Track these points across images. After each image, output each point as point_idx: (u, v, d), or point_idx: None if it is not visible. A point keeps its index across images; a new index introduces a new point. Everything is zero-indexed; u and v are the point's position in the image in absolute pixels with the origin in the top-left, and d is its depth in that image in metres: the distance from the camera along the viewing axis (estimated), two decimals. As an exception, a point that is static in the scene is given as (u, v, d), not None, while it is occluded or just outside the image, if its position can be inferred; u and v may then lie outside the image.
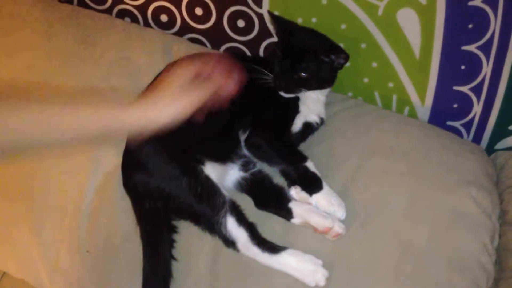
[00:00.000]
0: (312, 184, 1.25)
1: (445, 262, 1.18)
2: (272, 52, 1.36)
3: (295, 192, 1.26)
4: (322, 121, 1.40)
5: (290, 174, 1.28)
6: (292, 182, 1.28)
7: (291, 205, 1.24)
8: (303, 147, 1.37)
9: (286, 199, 1.25)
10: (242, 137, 1.32)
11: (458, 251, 1.20)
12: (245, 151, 1.32)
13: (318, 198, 1.23)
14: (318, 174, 1.26)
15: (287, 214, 1.24)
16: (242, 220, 1.20)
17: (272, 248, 1.18)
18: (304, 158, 1.28)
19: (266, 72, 1.33)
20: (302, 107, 1.38)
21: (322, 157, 1.33)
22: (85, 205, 1.32)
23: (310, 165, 1.27)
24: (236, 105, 1.29)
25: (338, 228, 1.19)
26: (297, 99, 1.37)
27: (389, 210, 1.24)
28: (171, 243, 1.26)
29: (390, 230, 1.22)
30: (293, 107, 1.37)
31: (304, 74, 1.31)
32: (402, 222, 1.23)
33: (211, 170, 1.24)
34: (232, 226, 1.18)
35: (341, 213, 1.22)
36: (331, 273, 1.18)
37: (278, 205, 1.25)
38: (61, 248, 1.30)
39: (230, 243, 1.20)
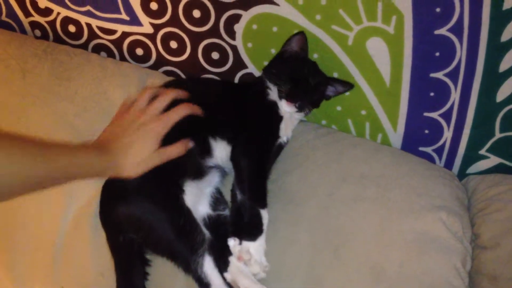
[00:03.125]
0: (250, 231, 1.23)
1: (418, 286, 1.19)
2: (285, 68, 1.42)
3: (233, 244, 1.23)
4: (287, 140, 1.44)
5: (244, 210, 1.26)
6: (234, 228, 1.28)
7: (231, 259, 1.22)
8: (275, 174, 1.38)
9: (230, 252, 1.23)
10: (219, 144, 1.34)
11: (430, 275, 1.20)
12: (217, 161, 1.34)
13: (244, 245, 1.21)
14: (265, 227, 1.24)
15: (223, 265, 1.22)
16: (217, 261, 1.20)
17: None
18: (264, 205, 1.26)
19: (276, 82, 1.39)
20: (282, 125, 1.40)
21: (294, 185, 1.35)
22: (59, 238, 1.32)
23: (264, 214, 1.25)
24: (213, 113, 1.34)
25: None
26: (281, 120, 1.40)
27: (361, 236, 1.25)
28: (144, 275, 1.26)
29: (362, 256, 1.23)
30: (277, 127, 1.40)
31: (320, 95, 1.43)
32: (373, 248, 1.24)
33: (190, 197, 1.24)
34: (208, 267, 1.18)
35: (256, 268, 1.21)
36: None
37: (222, 252, 1.23)
38: (35, 283, 1.30)
39: (204, 285, 1.19)
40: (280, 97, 1.39)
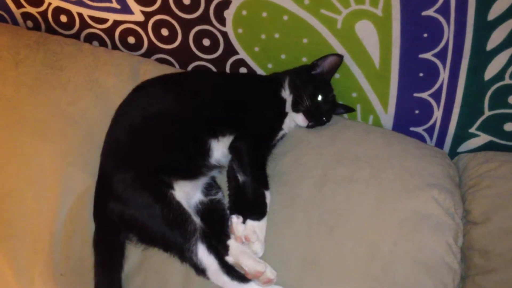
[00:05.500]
0: (256, 211, 1.28)
1: (411, 263, 1.22)
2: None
3: (236, 221, 1.27)
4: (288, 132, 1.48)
5: (247, 190, 1.30)
6: (235, 206, 1.33)
7: (230, 242, 1.26)
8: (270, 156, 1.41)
9: (227, 235, 1.27)
10: (221, 143, 1.36)
11: (423, 252, 1.23)
12: (217, 159, 1.36)
13: (250, 224, 1.25)
14: (268, 208, 1.29)
15: (224, 250, 1.25)
16: (212, 247, 1.22)
17: (240, 277, 1.21)
18: (267, 187, 1.31)
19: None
20: (287, 120, 1.45)
21: (289, 167, 1.37)
22: (58, 227, 1.33)
23: (268, 195, 1.30)
24: (210, 112, 1.37)
25: (270, 274, 1.20)
26: (286, 115, 1.45)
27: (355, 216, 1.28)
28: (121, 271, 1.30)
29: (357, 235, 1.25)
30: (281, 121, 1.45)
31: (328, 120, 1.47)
32: (368, 227, 1.26)
33: (181, 193, 1.27)
34: (202, 253, 1.21)
35: (259, 248, 1.25)
36: (301, 279, 1.22)
37: (219, 238, 1.27)
38: (35, 271, 1.31)
39: (200, 271, 1.22)
40: (297, 110, 1.44)
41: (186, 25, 1.57)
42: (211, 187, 1.37)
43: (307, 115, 1.42)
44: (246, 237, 1.24)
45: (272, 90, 1.48)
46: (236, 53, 1.59)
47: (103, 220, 1.30)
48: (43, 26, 1.74)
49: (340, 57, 1.45)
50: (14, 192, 1.37)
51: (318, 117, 1.44)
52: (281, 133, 1.44)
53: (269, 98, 1.47)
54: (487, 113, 1.45)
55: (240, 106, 1.41)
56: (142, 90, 1.43)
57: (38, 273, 1.32)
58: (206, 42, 1.59)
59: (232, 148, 1.35)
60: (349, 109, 1.55)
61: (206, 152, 1.34)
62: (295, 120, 1.45)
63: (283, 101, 1.46)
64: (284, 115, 1.45)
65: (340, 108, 1.53)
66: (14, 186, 1.37)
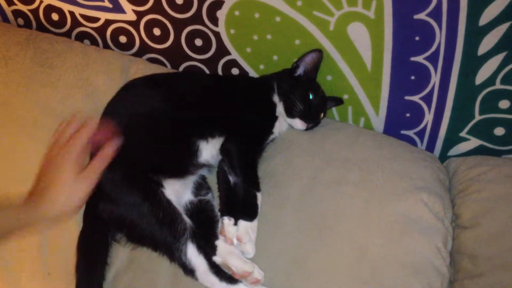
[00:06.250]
0: (248, 211, 1.28)
1: (400, 266, 1.21)
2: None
3: (227, 222, 1.27)
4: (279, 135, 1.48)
5: (238, 191, 1.31)
6: (225, 207, 1.32)
7: (218, 242, 1.25)
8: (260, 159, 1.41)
9: (214, 236, 1.27)
10: (210, 145, 1.35)
11: (412, 256, 1.23)
12: (205, 159, 1.36)
13: (243, 225, 1.25)
14: (259, 209, 1.29)
15: (211, 250, 1.24)
16: (201, 247, 1.21)
17: (229, 278, 1.20)
18: (259, 188, 1.31)
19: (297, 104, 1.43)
20: (277, 124, 1.45)
21: (279, 168, 1.37)
22: (45, 226, 1.32)
23: (259, 196, 1.30)
24: (199, 114, 1.36)
25: (258, 274, 1.20)
26: (276, 119, 1.45)
27: (344, 219, 1.27)
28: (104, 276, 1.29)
29: (346, 237, 1.25)
30: (272, 125, 1.44)
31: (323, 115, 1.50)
32: (357, 229, 1.26)
33: (171, 191, 1.26)
34: (192, 253, 1.20)
35: (251, 248, 1.24)
36: (290, 280, 1.22)
37: (206, 238, 1.26)
38: (23, 271, 1.31)
39: (188, 271, 1.21)
40: (292, 116, 1.43)
41: (179, 25, 1.57)
42: (201, 187, 1.36)
43: (304, 119, 1.42)
44: (239, 237, 1.23)
45: (263, 93, 1.47)
46: (228, 53, 1.58)
47: (92, 220, 1.28)
48: (34, 24, 1.73)
49: (319, 51, 1.45)
50: (0, 191, 1.36)
51: (314, 117, 1.44)
52: (271, 136, 1.44)
53: (260, 102, 1.47)
54: (477, 117, 1.45)
55: (230, 108, 1.41)
56: (130, 89, 1.42)
57: (25, 273, 1.31)
58: (198, 42, 1.59)
59: (223, 150, 1.35)
60: (339, 101, 1.55)
61: (194, 152, 1.33)
62: (292, 125, 1.45)
63: (274, 105, 1.46)
64: (274, 118, 1.45)
65: (330, 101, 1.54)
66: (0, 185, 1.36)
